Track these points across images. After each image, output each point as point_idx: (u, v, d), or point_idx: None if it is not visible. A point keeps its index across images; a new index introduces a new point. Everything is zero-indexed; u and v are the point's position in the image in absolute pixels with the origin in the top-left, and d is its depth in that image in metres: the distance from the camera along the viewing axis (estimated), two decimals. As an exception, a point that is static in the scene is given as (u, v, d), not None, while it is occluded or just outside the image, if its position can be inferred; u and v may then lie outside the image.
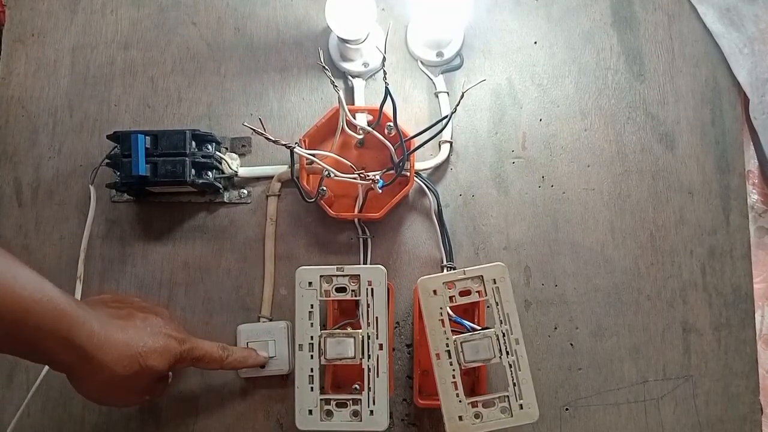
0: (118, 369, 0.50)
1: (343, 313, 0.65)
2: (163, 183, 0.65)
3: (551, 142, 0.71)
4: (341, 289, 0.59)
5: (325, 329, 0.59)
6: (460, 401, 0.56)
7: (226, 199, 0.71)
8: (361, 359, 0.58)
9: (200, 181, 0.66)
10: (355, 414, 0.57)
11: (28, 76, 0.74)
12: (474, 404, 0.56)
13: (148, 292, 0.70)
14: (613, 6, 0.73)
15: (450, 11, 0.67)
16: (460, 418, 0.56)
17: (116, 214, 0.72)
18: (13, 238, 0.72)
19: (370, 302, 0.58)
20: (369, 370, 0.57)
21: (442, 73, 0.72)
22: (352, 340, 0.58)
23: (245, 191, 0.71)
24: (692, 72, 0.72)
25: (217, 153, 0.69)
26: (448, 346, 0.57)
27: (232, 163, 0.70)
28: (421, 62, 0.72)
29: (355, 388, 0.61)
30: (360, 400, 0.57)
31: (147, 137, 0.64)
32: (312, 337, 0.58)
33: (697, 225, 0.70)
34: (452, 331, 0.57)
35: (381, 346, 0.58)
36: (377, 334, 0.58)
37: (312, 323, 0.58)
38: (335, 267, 0.59)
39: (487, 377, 0.64)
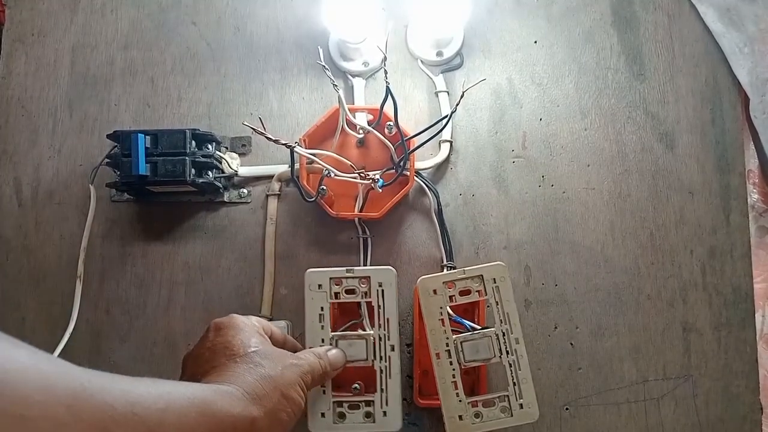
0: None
1: (344, 314, 0.65)
2: (163, 182, 0.65)
3: (551, 142, 0.71)
4: (350, 291, 0.59)
5: (332, 331, 0.59)
6: (460, 401, 0.56)
7: (226, 199, 0.71)
8: (373, 361, 0.57)
9: (200, 180, 0.66)
10: (368, 415, 0.57)
11: (28, 75, 0.74)
12: (474, 404, 0.56)
13: (147, 291, 0.70)
14: (613, 5, 0.73)
15: (450, 11, 0.67)
16: (460, 417, 0.56)
17: (116, 214, 0.72)
18: (13, 238, 0.72)
19: (381, 304, 0.58)
20: (381, 371, 0.57)
21: (442, 73, 0.72)
22: (364, 341, 0.58)
23: (245, 191, 0.71)
24: (692, 71, 0.72)
25: (217, 152, 0.69)
26: (448, 345, 0.57)
27: (232, 162, 0.70)
28: (421, 62, 0.72)
29: (355, 387, 0.61)
30: (372, 401, 0.57)
31: (147, 137, 0.64)
32: (323, 340, 0.58)
33: (697, 225, 0.70)
34: (452, 330, 0.57)
35: (393, 348, 0.58)
36: (389, 336, 0.58)
37: (323, 326, 0.58)
38: (345, 269, 0.59)
39: (487, 377, 0.64)
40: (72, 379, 0.31)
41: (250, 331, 0.48)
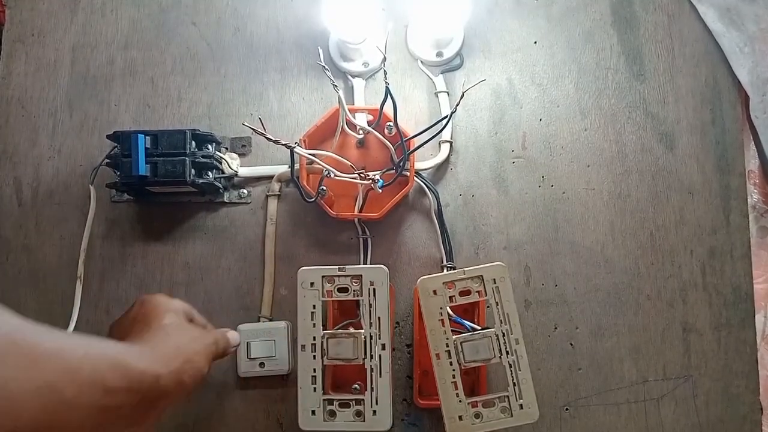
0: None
1: (344, 314, 0.65)
2: (163, 183, 0.65)
3: (551, 142, 0.71)
4: (343, 290, 0.59)
5: (326, 329, 0.59)
6: (460, 401, 0.56)
7: (226, 199, 0.71)
8: (363, 359, 0.58)
9: (200, 181, 0.66)
10: (358, 414, 0.57)
11: (28, 76, 0.74)
12: (474, 404, 0.56)
13: (148, 292, 0.70)
14: (613, 6, 0.73)
15: (450, 11, 0.67)
16: (460, 417, 0.56)
17: (116, 214, 0.72)
18: (13, 238, 0.72)
19: (372, 302, 0.58)
20: (371, 370, 0.57)
21: (442, 73, 0.72)
22: (354, 340, 0.58)
23: (245, 191, 0.71)
24: (692, 72, 0.72)
25: (217, 153, 0.69)
26: (448, 346, 0.57)
27: (232, 163, 0.70)
28: (421, 62, 0.72)
29: (355, 388, 0.61)
30: (363, 400, 0.57)
31: (147, 137, 0.64)
32: (314, 338, 0.58)
33: (697, 225, 0.70)
34: (452, 331, 0.57)
35: (384, 346, 0.58)
36: (380, 335, 0.58)
37: (314, 323, 0.58)
38: (337, 267, 0.59)
39: (487, 377, 0.64)
40: (10, 320, 0.36)
41: (168, 308, 0.53)
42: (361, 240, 0.69)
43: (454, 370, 0.56)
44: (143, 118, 0.73)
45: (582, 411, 0.67)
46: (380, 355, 0.58)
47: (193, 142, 0.66)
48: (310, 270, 0.59)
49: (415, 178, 0.67)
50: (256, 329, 0.67)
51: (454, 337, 0.57)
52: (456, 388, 0.56)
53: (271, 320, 0.69)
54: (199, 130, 0.67)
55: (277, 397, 0.68)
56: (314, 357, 0.58)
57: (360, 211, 0.67)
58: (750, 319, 0.68)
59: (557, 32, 0.73)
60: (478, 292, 0.58)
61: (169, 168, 0.64)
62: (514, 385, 0.56)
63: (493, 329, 0.57)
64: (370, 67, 0.72)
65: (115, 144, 0.66)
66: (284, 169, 0.70)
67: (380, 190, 0.62)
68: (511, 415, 0.56)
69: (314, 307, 0.59)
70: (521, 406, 0.56)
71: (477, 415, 0.56)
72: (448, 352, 0.57)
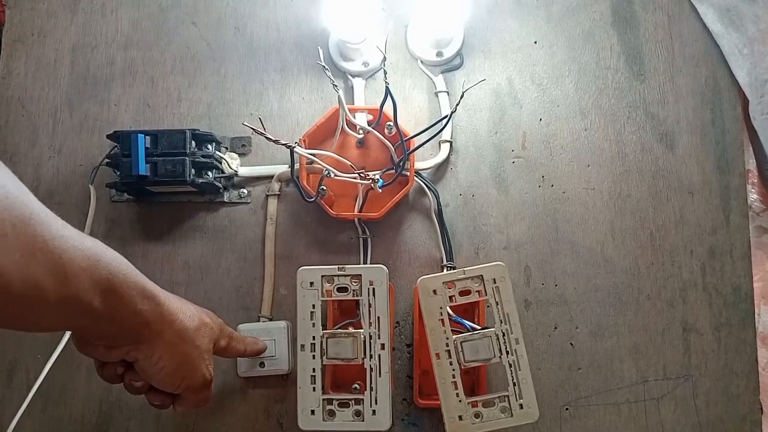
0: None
1: (344, 313, 0.65)
2: (163, 183, 0.65)
3: (551, 142, 0.71)
4: (342, 289, 0.59)
5: (326, 329, 0.59)
6: (460, 401, 0.56)
7: (226, 199, 0.71)
8: (363, 359, 0.58)
9: (200, 180, 0.66)
10: (358, 414, 0.57)
11: (28, 76, 0.74)
12: (474, 404, 0.56)
13: (148, 291, 0.70)
14: (613, 6, 0.73)
15: (450, 11, 0.67)
16: (460, 417, 0.56)
17: (116, 214, 0.72)
18: (13, 238, 0.71)
19: (371, 302, 0.58)
20: (371, 370, 0.57)
21: (442, 73, 0.72)
22: (353, 340, 0.58)
23: (245, 191, 0.71)
24: (692, 72, 0.72)
25: (217, 153, 0.69)
26: (448, 345, 0.57)
27: (232, 162, 0.70)
28: (421, 62, 0.72)
29: (355, 387, 0.61)
30: (362, 400, 0.57)
31: (147, 137, 0.64)
32: (314, 337, 0.58)
33: (697, 225, 0.70)
34: (452, 330, 0.57)
35: (383, 346, 0.58)
36: (379, 334, 0.58)
37: (314, 323, 0.58)
38: (336, 267, 0.59)
39: (487, 377, 0.64)
40: (26, 206, 0.37)
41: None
42: (360, 240, 0.69)
43: (454, 369, 0.56)
44: (143, 118, 0.73)
45: (582, 411, 0.67)
46: (380, 355, 0.58)
47: (193, 142, 0.66)
48: (310, 270, 0.59)
49: (415, 177, 0.67)
50: (256, 329, 0.67)
51: (454, 336, 0.57)
52: (456, 388, 0.56)
53: (271, 320, 0.69)
54: (199, 130, 0.67)
55: (277, 397, 0.68)
56: (314, 357, 0.58)
57: (360, 211, 0.67)
58: (750, 319, 0.68)
59: (557, 32, 0.73)
60: (478, 291, 0.58)
61: (169, 168, 0.64)
62: (514, 384, 0.56)
63: (493, 329, 0.57)
64: (370, 67, 0.72)
65: (115, 144, 0.66)
66: (284, 168, 0.70)
67: (380, 190, 0.62)
68: (511, 415, 0.56)
69: (314, 306, 0.59)
70: (521, 406, 0.56)
71: (477, 415, 0.56)
72: (448, 351, 0.57)
